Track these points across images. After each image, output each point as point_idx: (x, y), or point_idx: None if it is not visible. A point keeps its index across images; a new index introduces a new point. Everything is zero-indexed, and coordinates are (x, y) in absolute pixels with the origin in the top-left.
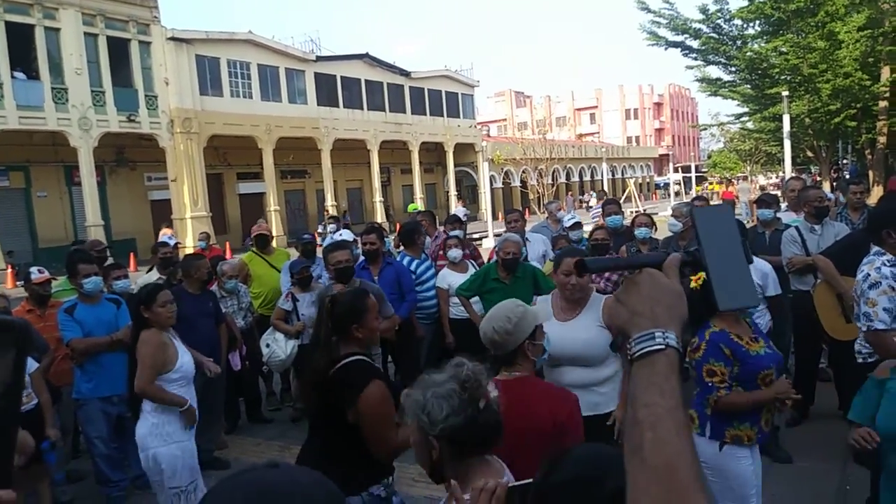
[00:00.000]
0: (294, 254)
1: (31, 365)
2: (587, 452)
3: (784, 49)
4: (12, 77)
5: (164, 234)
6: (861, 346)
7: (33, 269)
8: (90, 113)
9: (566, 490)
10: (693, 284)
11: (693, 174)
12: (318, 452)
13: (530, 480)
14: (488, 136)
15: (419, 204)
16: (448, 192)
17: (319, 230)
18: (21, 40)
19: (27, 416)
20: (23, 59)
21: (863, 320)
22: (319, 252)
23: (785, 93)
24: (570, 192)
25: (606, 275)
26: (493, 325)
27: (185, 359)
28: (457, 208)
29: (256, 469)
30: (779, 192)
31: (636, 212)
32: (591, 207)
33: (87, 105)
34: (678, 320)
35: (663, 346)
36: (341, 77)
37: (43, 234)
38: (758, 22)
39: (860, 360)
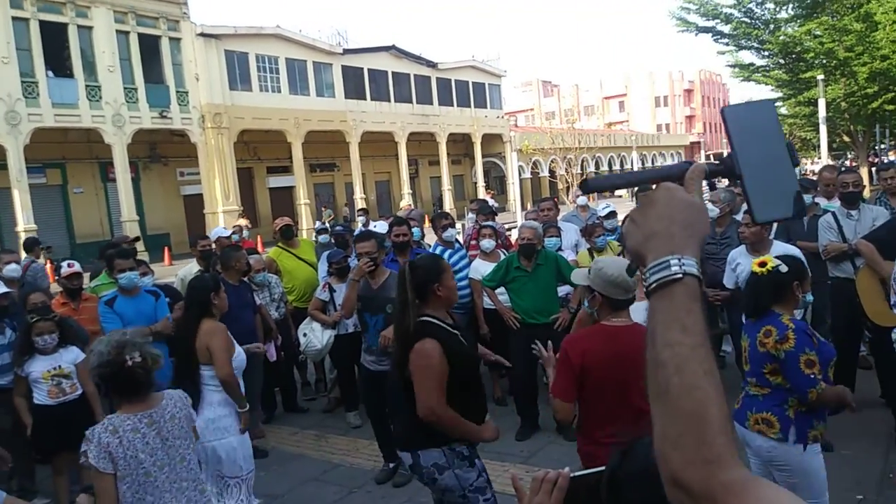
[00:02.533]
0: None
1: (77, 355)
2: None
3: (818, 32)
4: (46, 76)
5: (238, 225)
6: None
7: (63, 264)
8: (123, 110)
9: (642, 479)
10: (757, 269)
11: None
12: (409, 408)
13: (593, 470)
14: (516, 126)
15: (408, 199)
16: (476, 183)
17: (317, 225)
18: (55, 39)
19: (72, 406)
20: (56, 57)
21: None
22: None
23: (820, 77)
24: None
25: None
26: (624, 270)
27: (239, 347)
28: (482, 198)
29: None
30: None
31: None
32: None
33: (120, 102)
34: (696, 239)
35: (680, 275)
36: (368, 69)
37: (80, 229)
38: (791, 5)
39: None
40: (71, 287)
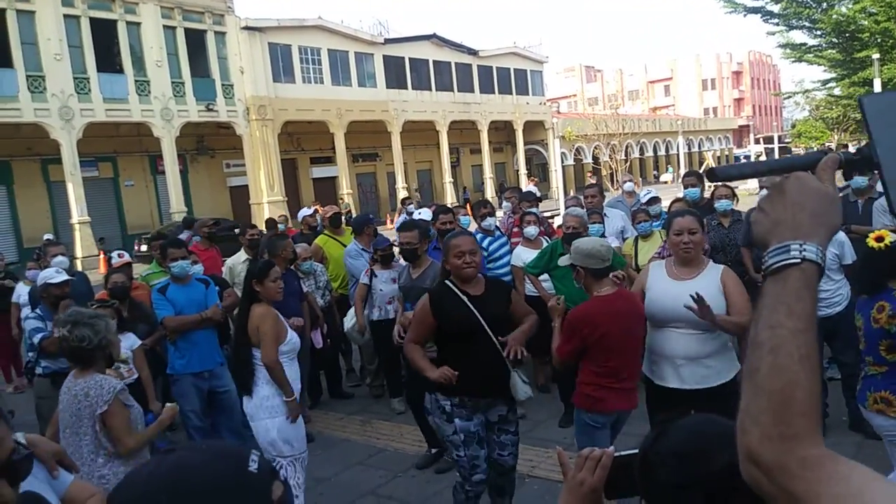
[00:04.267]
0: None
1: (134, 342)
2: (698, 422)
3: (873, 10)
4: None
5: (283, 214)
6: None
7: (113, 254)
8: (171, 104)
9: (673, 460)
10: (874, 244)
11: (776, 145)
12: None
13: (636, 451)
14: (558, 112)
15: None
16: (518, 170)
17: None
18: (104, 35)
19: (129, 390)
20: (106, 53)
21: None
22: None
23: (875, 56)
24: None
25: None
26: (598, 244)
27: (291, 332)
28: (528, 187)
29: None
30: None
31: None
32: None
33: (168, 96)
34: (826, 228)
35: (799, 260)
36: (409, 59)
37: (131, 220)
38: None
39: None
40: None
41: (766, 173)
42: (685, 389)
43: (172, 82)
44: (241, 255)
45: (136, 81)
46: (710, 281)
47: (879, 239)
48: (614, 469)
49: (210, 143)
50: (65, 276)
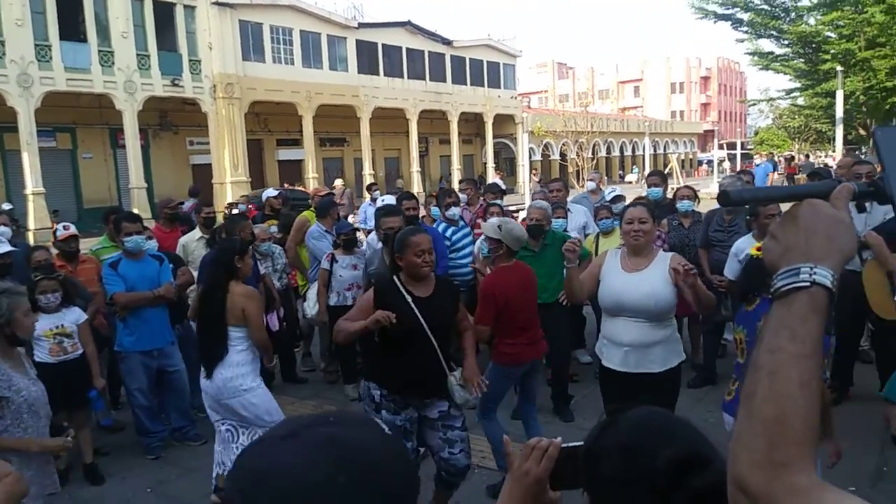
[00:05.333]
0: None
1: (80, 316)
2: (645, 416)
3: (842, 22)
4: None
5: (245, 195)
6: None
7: (59, 227)
8: (135, 76)
9: (617, 454)
10: (755, 254)
11: (738, 151)
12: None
13: (582, 443)
14: (529, 107)
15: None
16: (486, 163)
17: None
18: (69, 3)
19: (72, 365)
20: (70, 21)
21: None
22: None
23: (839, 68)
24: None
25: (657, 232)
26: (524, 234)
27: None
28: (494, 179)
29: (266, 442)
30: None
31: (678, 187)
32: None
33: (132, 68)
34: (840, 254)
35: (808, 283)
36: (383, 45)
37: (87, 194)
38: None
39: None
40: (68, 250)
41: (780, 200)
42: (632, 373)
43: (138, 54)
44: (196, 234)
45: (99, 52)
46: (660, 271)
47: (760, 248)
48: (560, 460)
49: (174, 120)
50: (7, 248)
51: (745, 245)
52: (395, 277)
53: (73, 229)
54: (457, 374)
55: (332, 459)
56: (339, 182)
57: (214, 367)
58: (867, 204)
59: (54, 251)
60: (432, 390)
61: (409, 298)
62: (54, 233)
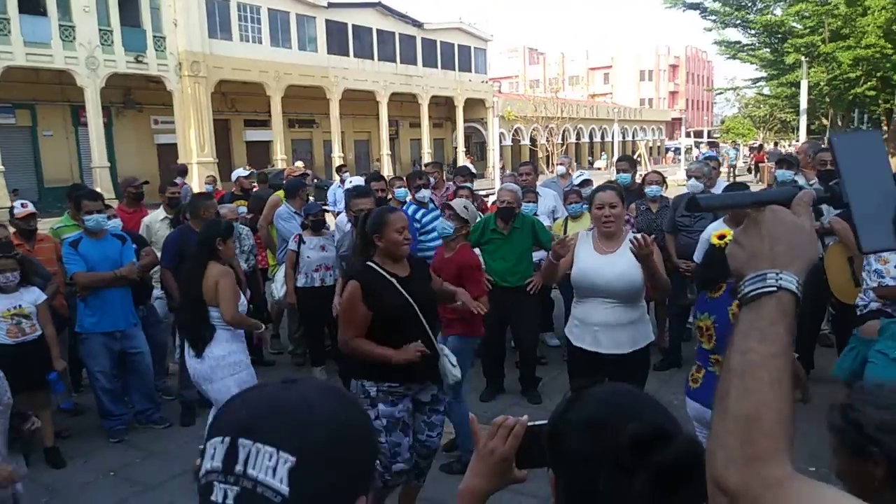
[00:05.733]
0: None
1: (38, 296)
2: (611, 392)
3: (807, 13)
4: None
5: (212, 175)
6: (860, 300)
7: (16, 204)
8: (98, 52)
9: (582, 430)
10: (716, 241)
11: (705, 139)
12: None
13: (547, 422)
14: (499, 92)
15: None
16: (456, 147)
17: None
18: None
19: (31, 346)
20: None
21: (874, 277)
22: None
23: (804, 58)
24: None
25: (625, 216)
26: (465, 205)
27: (241, 294)
28: (464, 163)
29: (268, 386)
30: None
31: (646, 172)
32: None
33: (94, 44)
34: (803, 261)
35: (774, 288)
36: (353, 25)
37: (48, 173)
38: None
39: (859, 313)
40: (27, 228)
41: (745, 206)
42: (602, 353)
43: (100, 30)
44: (160, 213)
45: (60, 26)
46: (628, 252)
47: (721, 237)
48: (526, 438)
49: (138, 98)
50: None
51: (715, 229)
52: (370, 264)
53: (30, 207)
54: (448, 353)
55: (336, 400)
56: (299, 164)
57: (204, 347)
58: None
59: (11, 229)
60: (429, 373)
61: (393, 280)
62: (11, 210)
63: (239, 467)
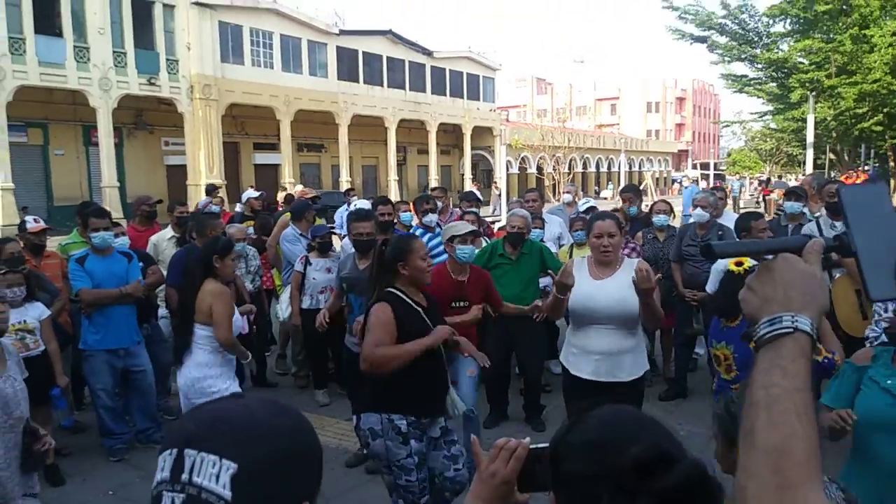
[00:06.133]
0: None
1: (43, 312)
2: (612, 414)
3: (814, 48)
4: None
5: (220, 197)
6: (870, 332)
7: (28, 219)
8: (111, 73)
9: (583, 451)
10: (734, 268)
11: (711, 171)
12: (361, 376)
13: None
14: (507, 120)
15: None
16: (463, 174)
17: (200, 204)
18: None
19: (34, 362)
20: (46, 15)
21: (888, 307)
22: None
23: (810, 94)
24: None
25: (626, 252)
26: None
27: (237, 316)
28: (470, 189)
29: (218, 400)
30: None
31: (654, 201)
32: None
33: (108, 65)
34: (815, 308)
35: (791, 329)
36: (363, 52)
37: (58, 192)
38: (787, 19)
39: (868, 346)
40: (38, 243)
41: (758, 253)
42: (601, 381)
43: (114, 52)
44: (168, 232)
45: (75, 47)
46: (626, 277)
47: (739, 263)
48: (528, 461)
49: (149, 119)
50: None
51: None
52: (395, 290)
53: (42, 223)
54: (451, 389)
55: (278, 412)
56: (299, 187)
57: (182, 363)
58: (838, 222)
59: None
60: (442, 404)
61: (420, 310)
62: (22, 225)
63: (185, 476)
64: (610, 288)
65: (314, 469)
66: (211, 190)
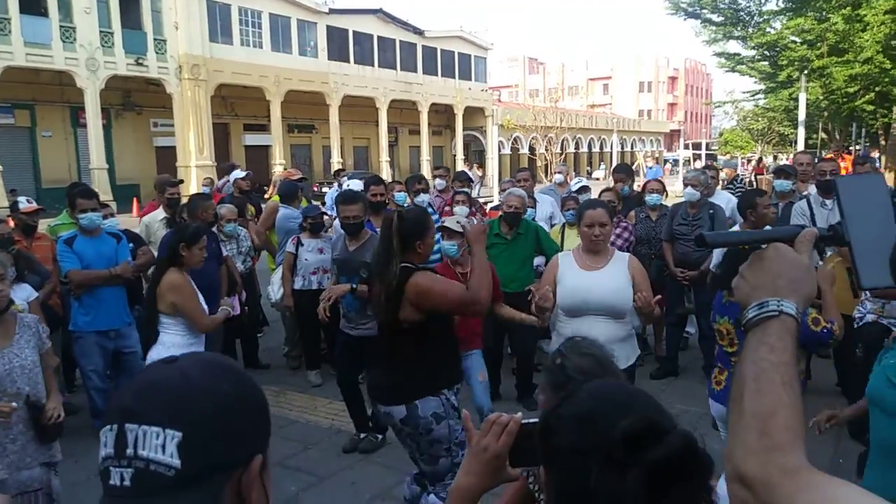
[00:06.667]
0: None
1: (31, 293)
2: (603, 387)
3: (807, 27)
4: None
5: (209, 177)
6: (856, 312)
7: (21, 199)
8: (98, 54)
9: (573, 424)
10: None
11: (703, 151)
12: (403, 359)
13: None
14: (499, 101)
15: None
16: (455, 155)
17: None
18: None
19: None
20: None
21: None
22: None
23: (801, 73)
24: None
25: (618, 231)
26: (457, 220)
27: (203, 304)
28: (462, 169)
29: (150, 367)
30: None
31: (646, 180)
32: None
33: (95, 45)
34: (801, 295)
35: (776, 312)
36: (353, 32)
37: (46, 174)
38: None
39: (855, 325)
40: (30, 224)
41: (750, 242)
42: None
43: (101, 31)
44: (159, 213)
45: (61, 27)
46: (619, 270)
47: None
48: (520, 437)
49: (137, 100)
50: None
51: None
52: (414, 266)
53: (35, 203)
54: None
55: (218, 371)
56: (279, 169)
57: (148, 349)
58: (828, 200)
59: (10, 225)
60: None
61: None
62: (14, 205)
63: (129, 450)
64: (603, 279)
65: (260, 421)
66: (229, 169)
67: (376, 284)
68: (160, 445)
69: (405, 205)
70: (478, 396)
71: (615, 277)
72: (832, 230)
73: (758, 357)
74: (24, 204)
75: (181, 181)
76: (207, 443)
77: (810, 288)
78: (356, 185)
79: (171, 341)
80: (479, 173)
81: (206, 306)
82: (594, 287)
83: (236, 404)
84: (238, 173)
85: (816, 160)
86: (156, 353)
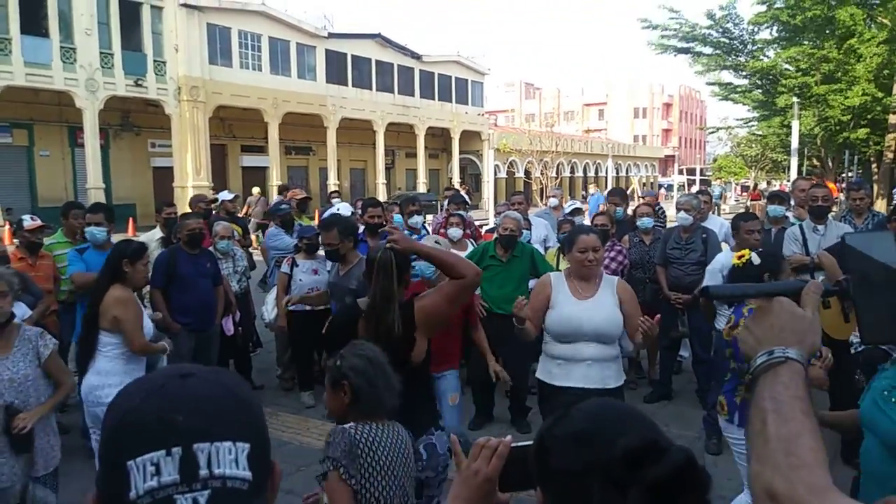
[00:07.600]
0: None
1: (24, 312)
2: (599, 405)
3: (799, 57)
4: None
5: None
6: (853, 337)
7: (25, 217)
8: (98, 74)
9: (570, 444)
10: (736, 261)
11: (697, 176)
12: (422, 395)
13: (532, 442)
14: (495, 125)
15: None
16: (451, 178)
17: (273, 203)
18: None
19: None
20: (32, 15)
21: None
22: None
23: (796, 99)
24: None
25: (612, 254)
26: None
27: (147, 321)
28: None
29: (167, 386)
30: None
31: (639, 204)
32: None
33: (94, 66)
34: (805, 345)
35: (783, 358)
36: (352, 56)
37: (43, 193)
38: (772, 27)
39: (853, 351)
40: (34, 241)
41: (756, 296)
42: (584, 389)
43: (101, 53)
44: (156, 233)
45: (61, 48)
46: (609, 296)
47: (740, 257)
48: (510, 460)
49: (136, 120)
50: None
51: (725, 259)
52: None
53: (39, 220)
54: None
55: (232, 379)
56: (255, 189)
57: (85, 372)
58: (820, 226)
59: (10, 247)
60: None
61: None
62: (19, 223)
63: (203, 471)
64: (596, 307)
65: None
66: (283, 189)
67: (371, 323)
68: (233, 460)
69: (401, 227)
70: (446, 419)
71: (606, 304)
72: (838, 285)
73: (775, 392)
74: (28, 221)
75: (215, 200)
76: (263, 448)
77: (815, 340)
78: (346, 209)
79: (109, 368)
80: (464, 191)
81: (151, 332)
82: (587, 317)
83: (259, 409)
84: (226, 194)
85: (816, 182)
86: (94, 380)
